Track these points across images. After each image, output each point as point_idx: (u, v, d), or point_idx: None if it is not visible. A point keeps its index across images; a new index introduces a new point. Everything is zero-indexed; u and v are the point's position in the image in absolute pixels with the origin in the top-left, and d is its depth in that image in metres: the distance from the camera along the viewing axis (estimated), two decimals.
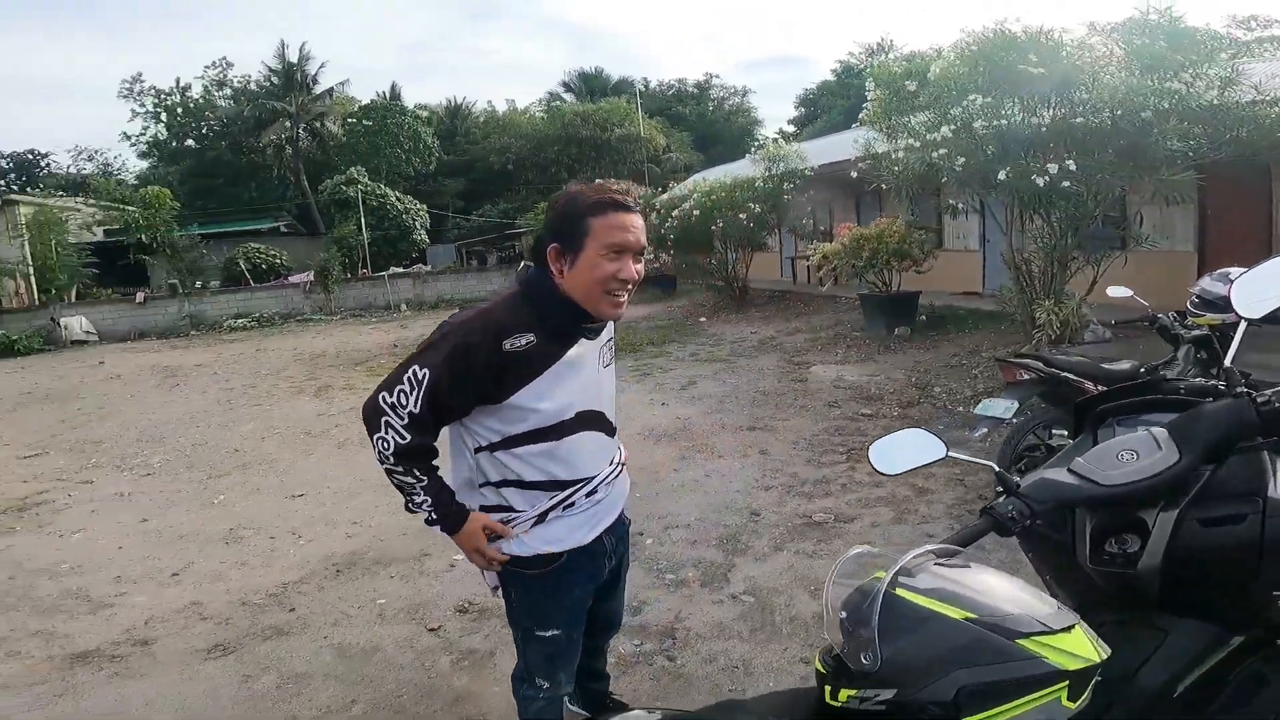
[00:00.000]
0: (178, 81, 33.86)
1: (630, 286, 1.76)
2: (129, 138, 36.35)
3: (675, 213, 13.70)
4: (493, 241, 29.16)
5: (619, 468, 1.99)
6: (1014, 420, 4.05)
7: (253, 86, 33.27)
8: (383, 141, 30.54)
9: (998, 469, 1.40)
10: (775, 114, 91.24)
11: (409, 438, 1.70)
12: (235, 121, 32.43)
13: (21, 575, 4.29)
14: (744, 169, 14.63)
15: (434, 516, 1.81)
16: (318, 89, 32.41)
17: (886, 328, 10.14)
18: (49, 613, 3.76)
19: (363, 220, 24.29)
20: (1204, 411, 1.33)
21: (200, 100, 33.60)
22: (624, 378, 8.72)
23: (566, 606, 1.93)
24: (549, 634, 1.93)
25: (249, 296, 21.44)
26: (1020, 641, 1.04)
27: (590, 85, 41.44)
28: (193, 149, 33.67)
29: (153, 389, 11.10)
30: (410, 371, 1.68)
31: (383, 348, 13.52)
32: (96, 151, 41.87)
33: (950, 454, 1.50)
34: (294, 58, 31.84)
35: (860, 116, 8.97)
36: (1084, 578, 1.34)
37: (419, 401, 1.67)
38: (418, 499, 1.79)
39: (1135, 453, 1.29)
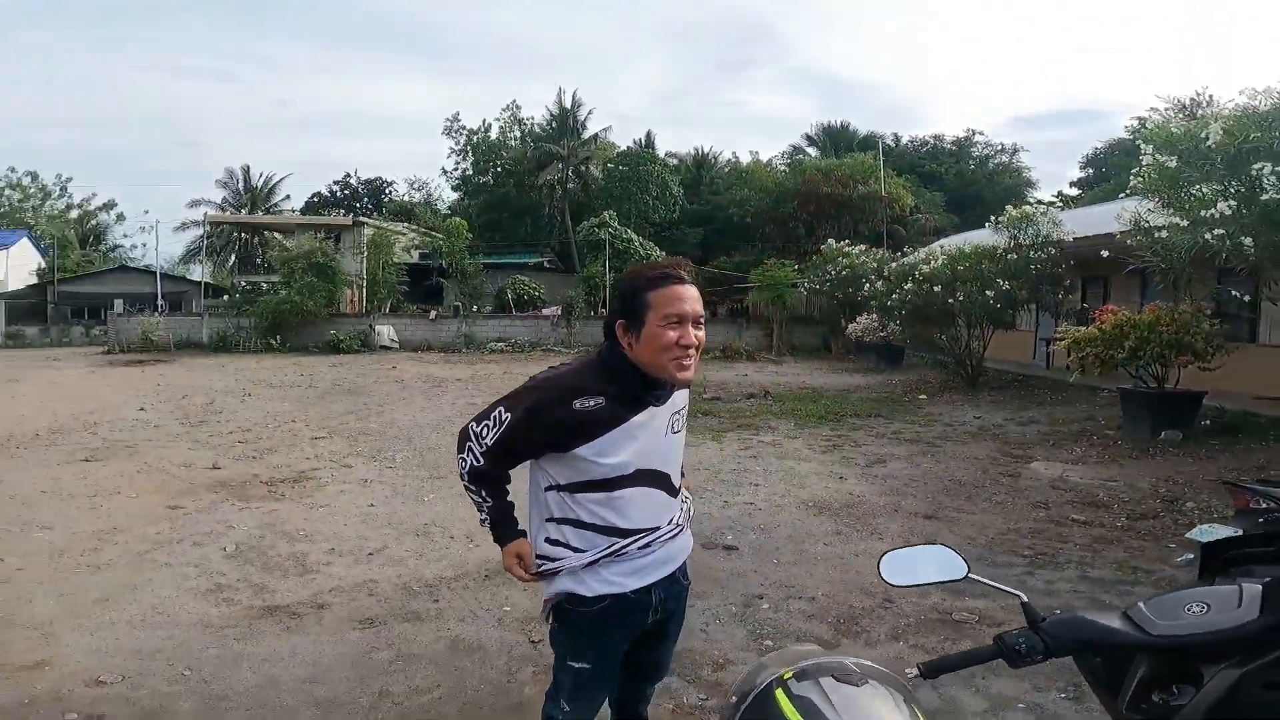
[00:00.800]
0: (483, 122, 38.06)
1: (693, 351, 1.90)
2: (445, 172, 41.47)
3: (908, 284, 13.05)
4: (723, 293, 29.04)
5: (678, 528, 2.10)
6: None
7: (536, 129, 36.63)
8: (634, 187, 31.92)
9: (1025, 599, 1.37)
10: (1057, 174, 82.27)
11: (483, 463, 2.01)
12: (521, 161, 35.13)
13: (269, 535, 5.30)
14: (984, 237, 13.50)
15: (492, 532, 2.11)
16: (585, 134, 35.03)
17: (1151, 429, 8.75)
18: (270, 569, 4.62)
19: (607, 262, 26.22)
20: None
21: (496, 140, 37.44)
22: (810, 444, 8.55)
23: (600, 646, 2.06)
24: (578, 666, 2.08)
25: (510, 323, 24.37)
26: None
27: (835, 139, 39.66)
28: (489, 185, 36.57)
29: (420, 394, 13.03)
30: (497, 411, 1.98)
31: None
32: (425, 182, 47.03)
33: (972, 575, 1.46)
34: (568, 103, 35.00)
35: (1131, 184, 8.03)
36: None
37: (496, 438, 1.96)
38: (481, 514, 2.11)
39: (1208, 605, 1.23)
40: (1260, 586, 1.21)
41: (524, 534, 2.08)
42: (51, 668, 3.27)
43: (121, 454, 8.00)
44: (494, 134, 37.42)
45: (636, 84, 76.59)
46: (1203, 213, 6.03)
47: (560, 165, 33.40)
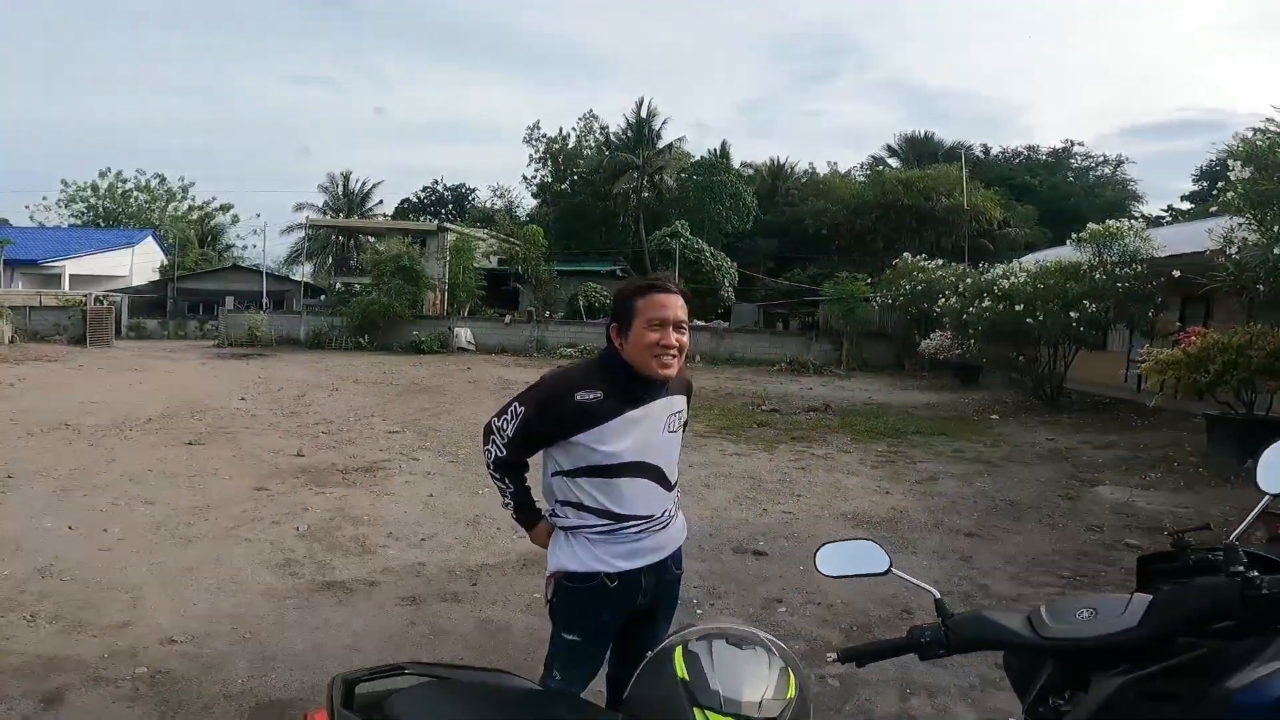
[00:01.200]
0: (560, 130, 38.24)
1: (674, 351, 2.15)
2: (525, 179, 41.62)
3: (984, 300, 12.64)
4: (794, 306, 28.42)
5: (670, 519, 2.32)
6: None
7: (612, 138, 36.86)
8: (708, 197, 31.85)
9: (938, 596, 1.45)
10: (1173, 188, 76.68)
11: (506, 453, 2.27)
12: (597, 170, 35.40)
13: (337, 518, 5.75)
14: (1067, 254, 12.94)
15: (514, 516, 2.39)
16: (661, 143, 34.98)
17: (1238, 458, 8.27)
18: (334, 548, 5.04)
19: (677, 271, 26.19)
20: (1193, 586, 1.28)
21: (573, 148, 37.90)
22: (863, 459, 8.50)
23: (590, 620, 2.30)
24: (570, 638, 2.33)
25: (580, 329, 24.72)
26: (695, 709, 1.25)
27: (919, 150, 38.21)
28: (566, 193, 37.02)
29: (489, 395, 13.55)
30: (514, 405, 2.25)
31: None
32: (507, 190, 46.63)
33: (894, 571, 1.56)
34: (644, 113, 35.09)
35: (1220, 200, 7.69)
36: None
37: (515, 429, 2.23)
38: (505, 500, 2.38)
39: (1095, 611, 1.29)
40: (1150, 597, 1.25)
41: (542, 515, 2.35)
42: (134, 627, 3.71)
43: (221, 439, 8.70)
44: (571, 143, 37.93)
45: (717, 94, 76.58)
46: (1276, 228, 5.73)
47: (635, 174, 33.65)
